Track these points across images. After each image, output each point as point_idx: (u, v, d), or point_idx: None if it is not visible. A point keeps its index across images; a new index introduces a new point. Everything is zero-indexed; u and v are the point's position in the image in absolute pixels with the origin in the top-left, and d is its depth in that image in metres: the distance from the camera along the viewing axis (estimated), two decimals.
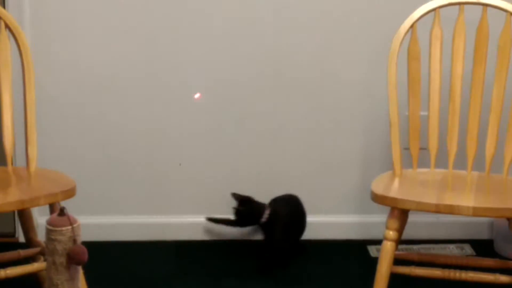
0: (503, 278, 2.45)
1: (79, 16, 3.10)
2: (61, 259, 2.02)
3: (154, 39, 3.14)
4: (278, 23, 3.14)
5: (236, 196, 3.10)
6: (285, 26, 3.15)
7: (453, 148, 2.68)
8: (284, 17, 3.14)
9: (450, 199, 2.41)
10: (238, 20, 3.13)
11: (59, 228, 1.99)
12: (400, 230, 2.49)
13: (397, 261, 2.51)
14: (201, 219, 3.25)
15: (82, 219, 2.10)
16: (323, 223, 3.30)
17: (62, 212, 2.03)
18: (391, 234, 2.41)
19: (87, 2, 3.09)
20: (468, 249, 3.22)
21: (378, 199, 2.40)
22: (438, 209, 2.34)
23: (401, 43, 2.64)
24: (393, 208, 2.41)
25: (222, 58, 3.16)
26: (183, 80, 3.17)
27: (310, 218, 3.27)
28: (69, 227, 2.01)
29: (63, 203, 2.37)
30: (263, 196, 3.26)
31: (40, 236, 2.56)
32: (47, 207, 2.43)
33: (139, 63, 3.15)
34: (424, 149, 2.69)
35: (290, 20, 3.14)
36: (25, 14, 3.06)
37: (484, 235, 3.31)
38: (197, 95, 2.85)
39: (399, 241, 2.56)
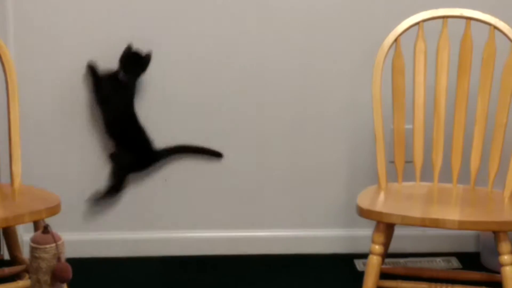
0: None
1: (64, 33, 3.09)
2: (45, 277, 2.01)
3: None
4: (261, 36, 3.14)
5: None
6: (269, 39, 3.15)
7: (438, 161, 2.68)
8: (267, 31, 3.14)
9: (435, 213, 2.41)
10: (221, 35, 3.13)
11: (43, 246, 1.98)
12: (386, 244, 2.49)
13: (384, 275, 2.51)
14: (187, 234, 3.25)
15: (67, 236, 2.09)
16: (310, 237, 3.29)
17: (46, 229, 2.02)
18: (377, 248, 2.41)
19: (72, 20, 3.08)
20: (454, 262, 3.22)
21: (363, 213, 2.40)
22: (423, 223, 2.35)
23: (385, 57, 2.64)
24: (378, 222, 2.41)
25: (205, 72, 3.16)
26: (166, 96, 3.17)
27: (296, 233, 3.28)
28: (53, 245, 2.00)
29: (47, 220, 2.36)
30: (249, 210, 3.27)
31: (25, 253, 2.55)
32: (32, 224, 2.42)
33: None
34: (409, 162, 2.69)
35: (273, 34, 3.14)
36: (9, 31, 3.05)
37: (471, 248, 3.31)
38: None
39: (386, 255, 2.56)
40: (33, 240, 2.00)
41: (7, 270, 2.60)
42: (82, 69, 3.11)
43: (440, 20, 2.65)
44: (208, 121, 3.20)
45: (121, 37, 3.09)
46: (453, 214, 2.38)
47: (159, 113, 3.17)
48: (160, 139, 3.17)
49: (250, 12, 3.12)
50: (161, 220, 3.27)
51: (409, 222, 2.35)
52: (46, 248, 1.99)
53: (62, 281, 2.02)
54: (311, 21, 3.14)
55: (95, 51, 3.11)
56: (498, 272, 2.38)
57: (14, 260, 2.64)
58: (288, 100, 3.20)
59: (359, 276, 2.57)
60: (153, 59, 3.07)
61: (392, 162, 2.69)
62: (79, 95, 3.14)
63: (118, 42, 3.09)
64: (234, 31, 3.14)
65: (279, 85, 3.19)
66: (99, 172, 3.19)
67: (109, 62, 3.10)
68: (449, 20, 2.65)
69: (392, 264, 3.13)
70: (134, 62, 3.07)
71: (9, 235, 2.62)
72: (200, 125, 3.20)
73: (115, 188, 3.16)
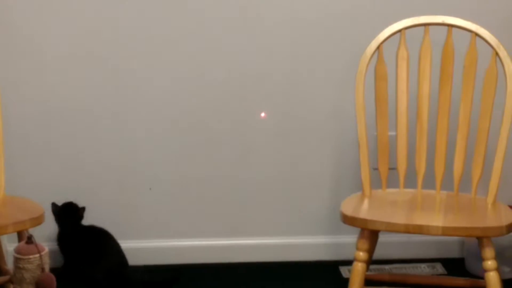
0: None
1: (48, 46, 3.09)
2: None
3: (122, 67, 3.12)
4: (244, 44, 3.14)
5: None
6: (252, 48, 3.15)
7: (421, 168, 2.69)
8: (250, 39, 3.14)
9: (419, 219, 2.41)
10: (206, 46, 3.13)
11: (26, 257, 1.99)
12: (371, 251, 2.50)
13: (368, 281, 2.51)
14: (172, 243, 3.24)
15: (51, 246, 2.09)
16: (294, 244, 3.29)
17: (29, 240, 2.02)
18: (362, 255, 2.41)
19: (55, 34, 3.08)
20: (439, 268, 3.23)
21: (347, 220, 2.40)
22: (407, 230, 2.35)
23: (368, 64, 2.65)
24: (363, 229, 2.41)
25: (190, 84, 3.16)
26: (152, 106, 3.16)
27: (281, 240, 3.29)
28: (37, 255, 2.00)
29: (31, 231, 2.36)
30: (234, 218, 3.27)
31: (9, 263, 2.54)
32: (17, 234, 2.41)
33: (107, 90, 3.14)
34: (393, 169, 2.70)
35: (257, 42, 3.14)
36: None
37: (455, 253, 3.32)
38: (262, 114, 2.88)
39: (371, 262, 2.56)
40: (17, 251, 2.00)
41: None
42: (66, 78, 3.11)
43: (422, 28, 2.66)
44: (194, 131, 3.20)
45: (103, 45, 3.10)
46: (437, 220, 2.39)
47: (145, 119, 3.18)
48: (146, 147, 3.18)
49: (234, 20, 3.12)
50: (146, 229, 3.26)
51: (393, 228, 2.36)
52: (30, 258, 2.00)
53: None
54: (295, 29, 3.15)
55: (78, 60, 3.11)
56: (482, 278, 2.39)
57: None
58: (272, 109, 3.20)
59: (344, 283, 2.57)
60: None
61: (376, 169, 2.70)
62: (63, 104, 3.13)
63: (103, 56, 3.10)
64: (217, 39, 3.14)
65: (263, 93, 3.19)
66: (83, 182, 3.18)
67: (91, 73, 3.11)
68: (431, 27, 2.66)
69: (377, 271, 3.14)
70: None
71: None
72: (186, 136, 3.20)
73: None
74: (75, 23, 3.08)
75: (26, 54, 3.10)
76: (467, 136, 2.65)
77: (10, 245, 3.02)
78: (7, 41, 3.07)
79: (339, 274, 3.17)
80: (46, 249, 2.03)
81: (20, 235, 2.40)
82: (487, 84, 2.61)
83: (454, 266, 3.24)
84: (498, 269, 2.36)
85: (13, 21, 3.06)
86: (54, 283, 2.00)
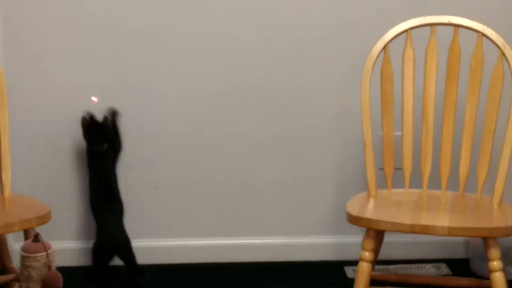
0: None
1: (53, 45, 3.09)
2: (36, 286, 2.02)
3: (126, 66, 3.13)
4: (249, 44, 3.15)
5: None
6: (258, 49, 3.15)
7: (427, 168, 2.69)
8: (255, 39, 3.14)
9: (425, 219, 2.41)
10: (212, 46, 3.13)
11: (33, 255, 1.99)
12: (376, 251, 2.50)
13: (374, 282, 2.51)
14: (174, 242, 3.25)
15: (57, 245, 2.09)
16: (300, 244, 3.30)
17: (36, 238, 2.03)
18: (367, 255, 2.42)
19: (61, 32, 3.08)
20: (444, 269, 3.23)
21: (353, 220, 2.40)
22: (413, 230, 2.35)
23: (374, 64, 2.65)
24: (368, 229, 2.41)
25: (195, 83, 3.16)
26: (155, 105, 3.17)
27: (286, 240, 3.29)
28: (44, 253, 2.00)
29: (38, 229, 2.36)
30: (239, 218, 3.27)
31: (15, 262, 2.54)
32: (22, 233, 2.42)
33: (111, 89, 3.14)
34: (399, 169, 2.70)
35: (261, 42, 3.14)
36: None
37: (460, 254, 3.32)
38: (94, 99, 2.83)
39: (376, 262, 2.56)
40: (24, 249, 2.01)
41: None
42: (70, 78, 3.11)
43: (428, 28, 2.66)
44: (198, 131, 3.20)
45: (108, 46, 3.11)
46: (442, 220, 2.39)
47: (150, 113, 3.18)
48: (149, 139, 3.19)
49: (238, 21, 3.13)
50: (150, 228, 3.26)
51: (399, 228, 2.36)
52: (36, 256, 2.00)
53: None
54: (300, 29, 3.15)
55: (81, 60, 3.11)
56: (488, 278, 2.39)
57: (4, 269, 2.63)
58: (277, 108, 3.20)
59: (350, 283, 2.57)
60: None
61: (382, 169, 2.70)
62: (70, 104, 3.14)
63: (108, 55, 3.10)
64: (222, 41, 3.14)
65: (268, 94, 3.19)
66: (87, 181, 3.18)
67: (96, 73, 3.11)
68: (438, 27, 2.66)
69: (382, 271, 3.14)
70: (97, 132, 3.00)
71: None
72: (191, 135, 3.20)
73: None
74: (79, 24, 3.09)
75: (30, 55, 3.10)
76: (473, 136, 2.65)
77: (16, 244, 3.03)
78: (12, 42, 3.07)
79: (344, 274, 3.17)
80: (53, 247, 2.03)
81: (26, 234, 2.40)
82: (494, 84, 2.61)
83: (459, 266, 3.23)
84: (503, 270, 2.36)
85: (19, 22, 3.06)
86: (61, 281, 2.01)
